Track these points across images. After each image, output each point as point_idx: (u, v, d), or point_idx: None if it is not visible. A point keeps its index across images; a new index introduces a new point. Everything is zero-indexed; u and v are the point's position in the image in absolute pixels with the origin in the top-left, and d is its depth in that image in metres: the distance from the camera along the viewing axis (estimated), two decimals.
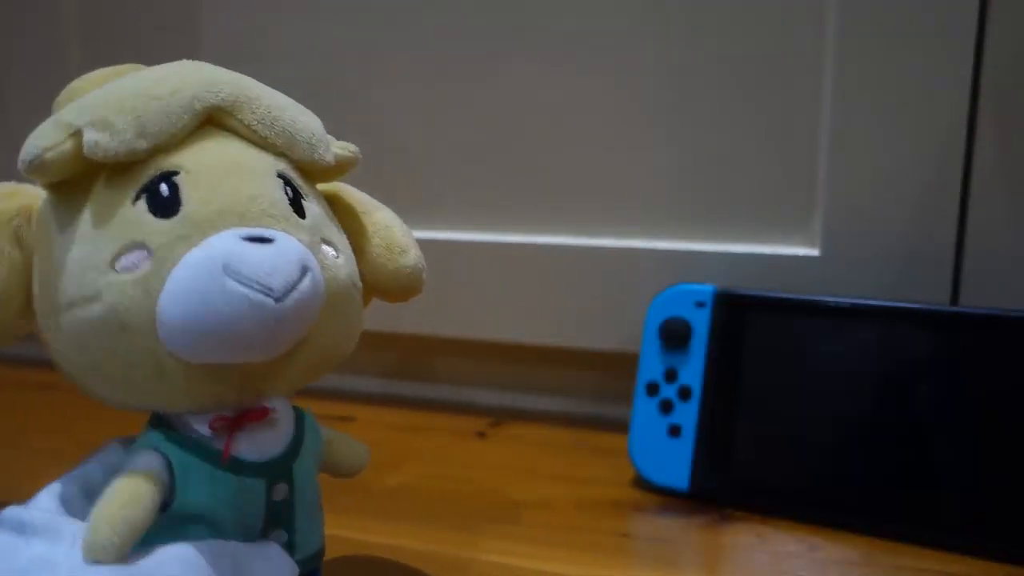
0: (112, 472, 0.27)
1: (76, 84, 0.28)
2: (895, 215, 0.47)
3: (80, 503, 0.26)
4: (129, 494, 0.23)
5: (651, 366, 0.46)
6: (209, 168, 0.24)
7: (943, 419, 0.39)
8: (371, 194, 0.32)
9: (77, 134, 0.23)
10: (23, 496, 0.26)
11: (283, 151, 0.26)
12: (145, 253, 0.23)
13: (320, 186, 0.30)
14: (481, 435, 0.55)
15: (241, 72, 0.27)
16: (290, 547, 0.27)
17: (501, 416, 0.59)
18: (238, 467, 0.25)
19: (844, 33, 0.46)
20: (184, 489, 0.24)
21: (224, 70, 0.27)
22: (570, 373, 0.59)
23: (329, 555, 0.30)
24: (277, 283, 0.22)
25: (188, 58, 0.27)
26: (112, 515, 0.22)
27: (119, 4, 0.64)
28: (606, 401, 0.58)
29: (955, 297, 0.46)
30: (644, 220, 0.53)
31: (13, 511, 0.25)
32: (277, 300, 0.22)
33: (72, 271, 0.24)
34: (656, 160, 0.52)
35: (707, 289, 0.45)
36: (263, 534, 0.26)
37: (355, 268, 0.28)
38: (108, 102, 0.24)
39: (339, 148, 0.29)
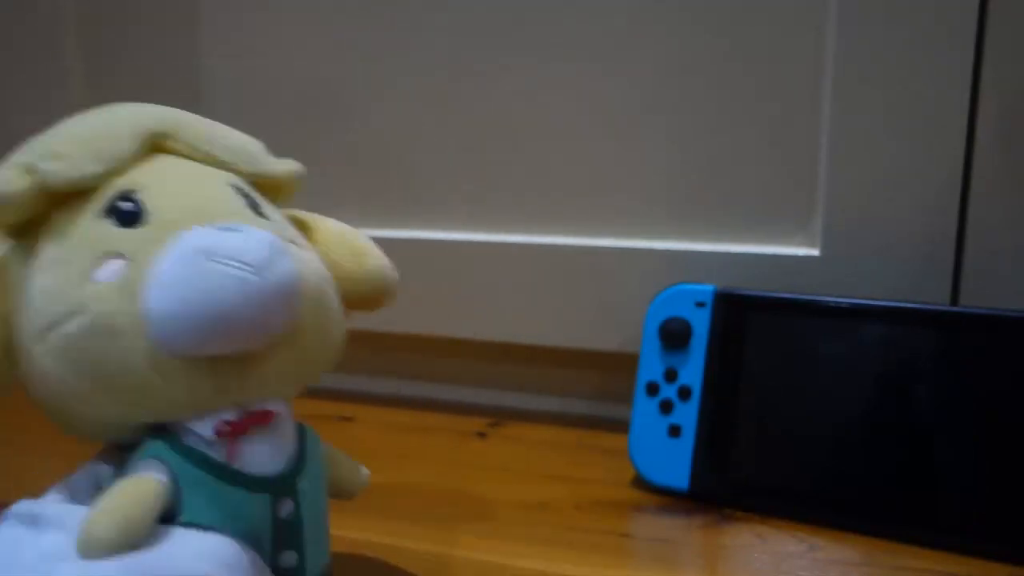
0: (122, 471, 0.27)
1: None
2: (895, 215, 0.47)
3: (92, 497, 0.26)
4: (130, 494, 0.23)
5: (651, 366, 0.46)
6: (166, 180, 0.26)
7: (943, 419, 0.39)
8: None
9: (32, 170, 0.24)
10: (23, 496, 0.26)
11: (229, 166, 0.28)
12: (121, 261, 0.24)
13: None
14: (481, 435, 0.55)
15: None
16: (300, 570, 0.27)
17: (501, 416, 0.59)
18: (242, 480, 0.25)
19: (844, 33, 0.46)
20: (189, 503, 0.24)
21: (149, 106, 0.28)
22: (570, 373, 0.59)
23: None
24: (255, 259, 0.23)
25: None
26: (111, 510, 0.22)
27: (119, 4, 0.64)
28: (606, 401, 0.58)
29: (955, 297, 0.46)
30: (644, 220, 0.53)
31: (25, 504, 0.25)
32: (258, 275, 0.23)
33: (49, 293, 0.24)
34: (656, 160, 0.52)
35: (707, 289, 0.45)
36: (273, 555, 0.26)
37: (324, 266, 0.29)
38: (54, 139, 0.25)
39: (282, 165, 0.30)
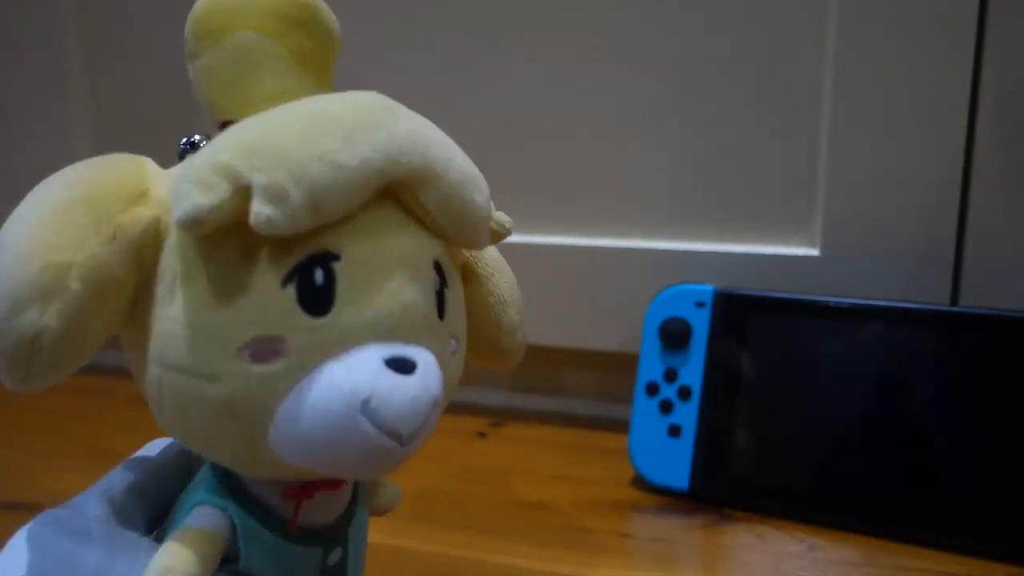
0: (164, 481, 0.26)
1: (228, 7, 0.24)
2: (895, 215, 0.47)
3: (133, 507, 0.25)
4: (196, 551, 0.22)
5: (651, 366, 0.46)
6: (371, 261, 0.21)
7: (943, 419, 0.39)
8: None
9: (244, 192, 0.19)
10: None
11: (447, 236, 0.23)
12: (280, 347, 0.20)
13: None
14: (481, 435, 0.55)
15: None
16: None
17: (501, 416, 0.59)
18: (302, 538, 0.24)
19: (844, 33, 0.46)
20: (246, 553, 0.23)
21: (413, 120, 0.23)
22: (570, 373, 0.59)
23: None
24: (409, 429, 0.21)
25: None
26: (178, 568, 0.21)
27: (119, 4, 0.64)
28: (606, 401, 0.58)
29: (955, 297, 0.46)
30: (644, 220, 0.53)
31: (66, 513, 0.23)
32: (403, 444, 0.21)
33: (193, 336, 0.21)
34: (656, 160, 0.52)
35: (707, 289, 0.45)
36: None
37: (464, 353, 0.26)
38: (286, 160, 0.19)
39: (495, 225, 0.26)
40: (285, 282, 0.20)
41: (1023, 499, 0.37)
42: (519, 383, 0.61)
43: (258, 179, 0.19)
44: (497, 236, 0.27)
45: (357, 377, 0.20)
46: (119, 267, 0.21)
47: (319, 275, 0.21)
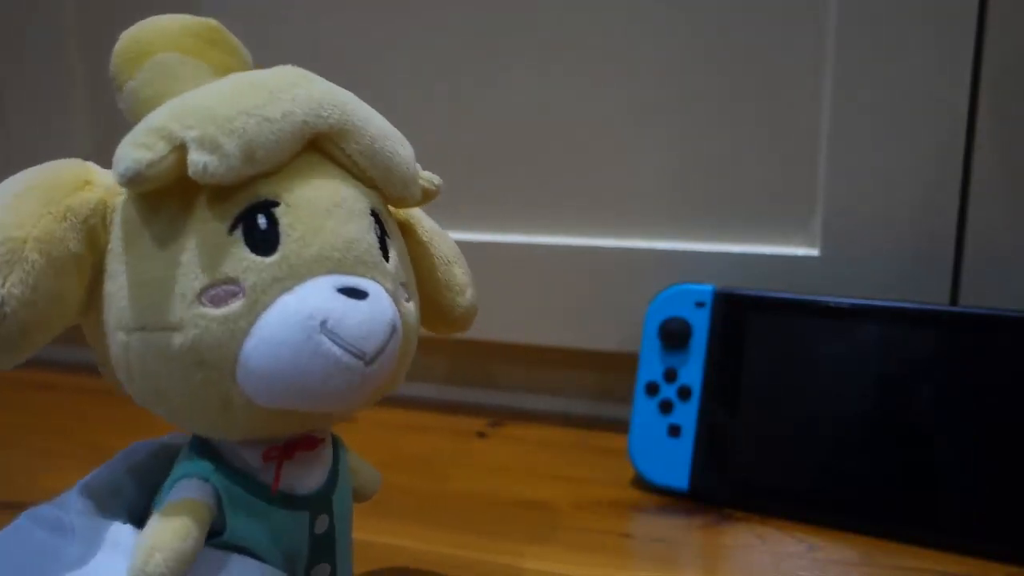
0: (141, 477, 0.27)
1: (142, 36, 0.26)
2: (895, 215, 0.47)
3: (111, 504, 0.25)
4: (181, 524, 0.22)
5: (651, 366, 0.46)
6: (309, 203, 0.23)
7: (942, 419, 0.39)
8: None
9: (180, 148, 0.21)
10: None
11: (377, 185, 0.25)
12: (236, 289, 0.22)
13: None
14: (481, 435, 0.55)
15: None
16: None
17: (501, 416, 0.59)
18: (285, 501, 0.25)
19: (844, 33, 0.46)
20: (233, 523, 0.24)
21: (328, 84, 0.25)
22: (570, 373, 0.59)
23: None
24: (370, 347, 0.22)
25: None
26: (164, 545, 0.22)
27: (119, 4, 0.64)
28: (606, 401, 0.58)
29: (955, 297, 0.46)
30: (644, 220, 0.53)
31: (47, 508, 0.24)
32: (367, 363, 0.22)
33: (153, 292, 0.22)
34: (656, 160, 0.52)
35: (707, 289, 0.45)
36: (308, 569, 0.26)
37: (418, 308, 0.28)
38: (215, 116, 0.21)
39: (424, 181, 0.28)
40: (232, 229, 0.22)
41: (1023, 499, 0.37)
42: (519, 383, 0.61)
43: (191, 134, 0.21)
44: (428, 194, 0.28)
45: (311, 302, 0.22)
46: (73, 242, 0.22)
47: (262, 220, 0.22)
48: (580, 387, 0.59)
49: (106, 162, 0.24)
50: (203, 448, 0.25)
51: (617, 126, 0.53)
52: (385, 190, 0.26)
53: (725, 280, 0.49)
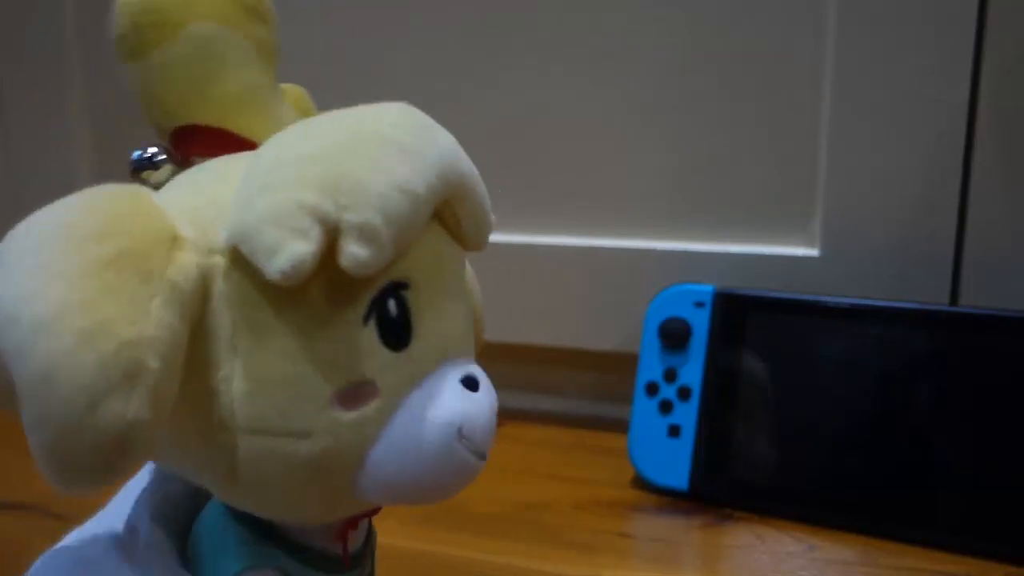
0: (176, 501, 0.24)
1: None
2: (895, 215, 0.47)
3: (168, 538, 0.23)
4: None
5: (651, 366, 0.46)
6: (430, 283, 0.20)
7: (942, 419, 0.39)
8: None
9: (334, 230, 0.17)
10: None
11: (467, 243, 0.23)
12: (372, 389, 0.19)
13: None
14: None
15: None
16: None
17: (500, 416, 0.58)
18: (352, 568, 0.24)
19: (844, 33, 0.46)
20: None
21: (443, 133, 0.22)
22: (570, 373, 0.59)
23: None
24: (487, 442, 0.21)
25: None
26: None
27: None
28: (606, 401, 0.58)
29: (954, 297, 0.46)
30: (644, 220, 0.53)
31: (91, 549, 0.22)
32: (483, 461, 0.21)
33: (279, 391, 0.19)
34: (656, 160, 0.52)
35: (707, 289, 0.45)
36: None
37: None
38: (369, 194, 0.18)
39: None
40: (366, 319, 0.19)
41: (1023, 499, 0.37)
42: (519, 383, 0.61)
43: (349, 219, 0.17)
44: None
45: (449, 406, 0.20)
46: (180, 328, 0.18)
47: (392, 307, 0.19)
48: (580, 387, 0.59)
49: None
50: (265, 531, 0.22)
51: (617, 126, 0.53)
52: (472, 246, 0.23)
53: (725, 280, 0.49)
